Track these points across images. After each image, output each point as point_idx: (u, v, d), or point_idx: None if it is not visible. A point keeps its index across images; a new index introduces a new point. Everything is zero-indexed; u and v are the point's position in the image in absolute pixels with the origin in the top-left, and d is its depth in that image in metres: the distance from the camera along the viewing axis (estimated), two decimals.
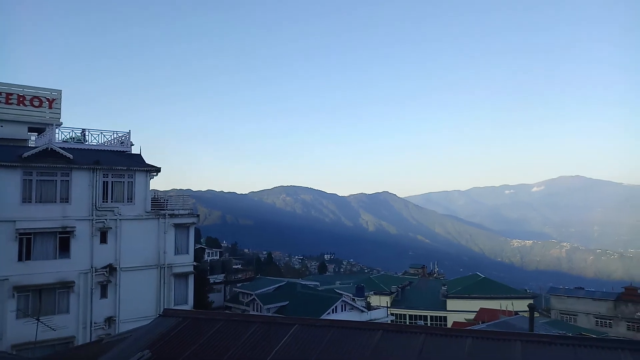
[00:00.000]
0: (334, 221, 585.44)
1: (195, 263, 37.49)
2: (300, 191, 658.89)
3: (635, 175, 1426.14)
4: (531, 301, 59.90)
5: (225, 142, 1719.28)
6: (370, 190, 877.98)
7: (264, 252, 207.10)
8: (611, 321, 64.59)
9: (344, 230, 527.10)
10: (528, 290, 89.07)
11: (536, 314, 56.43)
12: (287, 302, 52.15)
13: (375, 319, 50.33)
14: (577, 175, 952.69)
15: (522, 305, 59.14)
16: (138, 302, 32.45)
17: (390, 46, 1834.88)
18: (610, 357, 9.06)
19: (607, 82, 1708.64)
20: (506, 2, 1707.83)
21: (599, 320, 65.71)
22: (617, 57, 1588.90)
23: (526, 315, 40.95)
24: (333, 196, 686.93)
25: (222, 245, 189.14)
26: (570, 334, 34.46)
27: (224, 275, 76.11)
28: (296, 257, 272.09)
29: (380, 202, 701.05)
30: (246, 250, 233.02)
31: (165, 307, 30.25)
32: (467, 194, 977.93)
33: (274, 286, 61.11)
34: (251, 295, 56.55)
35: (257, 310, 52.62)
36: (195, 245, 44.31)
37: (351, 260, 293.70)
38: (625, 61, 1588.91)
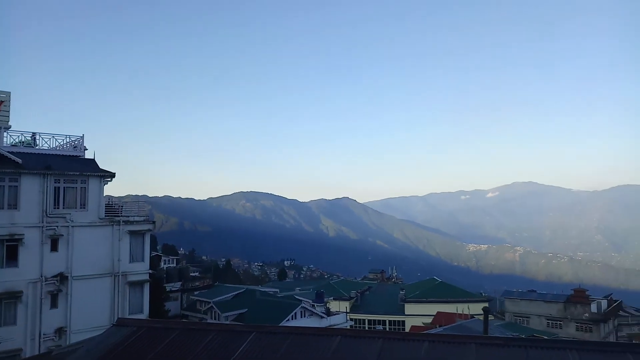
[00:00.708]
0: (295, 227, 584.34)
1: (151, 271, 36.69)
2: (260, 197, 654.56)
3: (583, 181, 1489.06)
4: (486, 304, 61.44)
5: (183, 147, 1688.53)
6: (330, 196, 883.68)
7: (223, 259, 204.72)
8: (561, 322, 66.84)
9: (305, 236, 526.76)
10: (483, 294, 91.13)
11: (491, 317, 57.94)
12: (246, 310, 51.67)
13: (334, 325, 50.50)
14: (530, 182, 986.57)
15: (477, 308, 60.47)
16: (91, 312, 31.43)
17: (348, 50, 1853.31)
18: (559, 357, 9.37)
19: (556, 93, 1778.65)
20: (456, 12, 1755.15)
21: (550, 321, 67.85)
22: (566, 67, 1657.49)
23: (481, 318, 41.93)
24: (294, 202, 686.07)
25: (180, 252, 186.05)
26: (523, 336, 35.51)
27: (181, 283, 74.69)
28: (256, 263, 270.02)
29: (340, 207, 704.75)
30: (204, 258, 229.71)
31: (119, 317, 29.43)
32: (425, 200, 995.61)
33: (232, 294, 60.48)
34: (209, 303, 55.77)
35: (215, 319, 51.92)
36: (151, 253, 43.37)
37: (311, 266, 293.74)
38: (575, 72, 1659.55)
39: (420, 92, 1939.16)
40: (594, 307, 65.16)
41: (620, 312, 72.14)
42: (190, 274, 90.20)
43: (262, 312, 50.24)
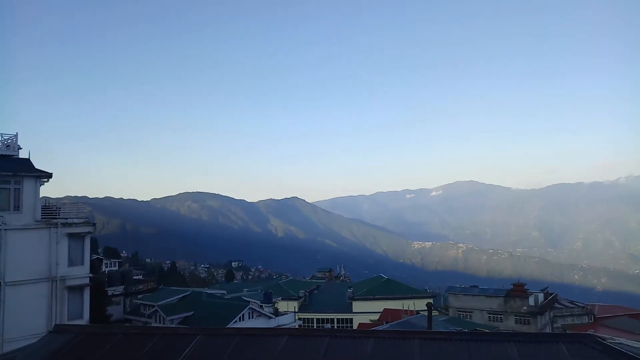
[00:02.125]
0: (243, 228, 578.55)
1: (91, 275, 35.39)
2: (206, 197, 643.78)
3: (521, 180, 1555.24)
4: (430, 300, 63.16)
5: (125, 146, 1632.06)
6: (279, 196, 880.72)
7: (168, 262, 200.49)
8: (502, 316, 69.59)
9: (253, 236, 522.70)
10: (428, 290, 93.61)
11: (435, 312, 59.57)
12: (192, 313, 50.74)
13: (282, 325, 50.39)
14: (471, 181, 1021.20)
15: (422, 304, 61.96)
16: (27, 319, 29.93)
17: (293, 48, 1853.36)
18: (498, 349, 9.74)
19: (495, 94, 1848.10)
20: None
21: (491, 315, 70.50)
22: (505, 67, 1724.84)
23: (426, 313, 42.99)
24: (241, 202, 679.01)
25: (122, 255, 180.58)
26: (465, 330, 36.70)
27: (123, 286, 72.40)
28: (202, 265, 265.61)
29: (289, 207, 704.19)
30: (148, 260, 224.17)
31: (57, 323, 28.19)
32: (372, 199, 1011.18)
33: (178, 296, 59.23)
34: (153, 306, 54.43)
35: (160, 322, 50.66)
36: (91, 256, 41.77)
37: (260, 266, 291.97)
38: (513, 72, 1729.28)
39: (366, 93, 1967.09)
40: (531, 301, 68.27)
41: (556, 305, 75.93)
42: (134, 277, 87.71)
43: (208, 315, 49.49)
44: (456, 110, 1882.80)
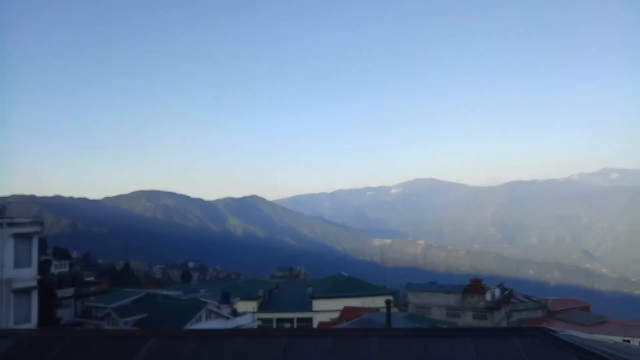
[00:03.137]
0: (200, 227, 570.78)
1: (39, 277, 34.21)
2: (161, 196, 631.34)
3: (479, 178, 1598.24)
4: (390, 297, 64.02)
5: (75, 143, 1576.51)
6: (238, 194, 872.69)
7: (121, 262, 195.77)
8: (460, 312, 71.33)
9: (211, 235, 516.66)
10: (388, 287, 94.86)
11: (395, 309, 60.46)
12: (147, 315, 49.84)
13: (241, 325, 50.12)
14: (430, 178, 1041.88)
15: (382, 301, 62.73)
16: None
17: (255, 43, 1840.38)
18: (455, 344, 9.95)
19: (452, 92, 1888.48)
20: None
21: (449, 311, 72.16)
22: (463, 65, 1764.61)
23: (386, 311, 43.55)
24: (198, 201, 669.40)
25: (73, 256, 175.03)
26: (424, 326, 37.41)
27: (74, 288, 70.47)
28: (157, 266, 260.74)
29: (248, 206, 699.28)
30: (101, 261, 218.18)
31: (1, 327, 27.09)
32: (333, 196, 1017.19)
33: (132, 298, 58.21)
34: (106, 309, 53.27)
35: (113, 325, 49.56)
36: (40, 257, 40.40)
37: (218, 266, 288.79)
38: (471, 70, 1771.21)
39: (326, 91, 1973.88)
40: (488, 296, 70.26)
41: (512, 300, 78.41)
42: (85, 279, 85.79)
43: (164, 317, 48.72)
44: (416, 109, 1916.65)
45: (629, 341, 53.12)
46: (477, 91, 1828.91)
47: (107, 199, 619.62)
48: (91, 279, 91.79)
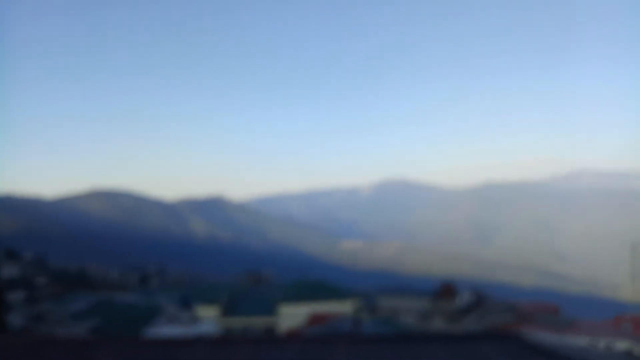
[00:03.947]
0: (161, 228, 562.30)
1: None
2: (119, 196, 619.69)
3: (452, 179, 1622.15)
4: (360, 302, 64.51)
5: (27, 138, 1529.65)
6: (202, 194, 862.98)
7: (76, 265, 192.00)
8: (431, 316, 72.32)
9: (172, 238, 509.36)
10: (358, 291, 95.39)
11: (365, 314, 60.88)
12: (102, 320, 48.98)
13: (203, 332, 49.64)
14: (403, 179, 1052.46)
15: (352, 306, 63.09)
16: None
17: (223, 39, 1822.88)
18: (425, 349, 10.09)
19: (424, 93, 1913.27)
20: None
21: (420, 315, 73.08)
22: (433, 68, 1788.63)
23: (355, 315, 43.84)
24: (158, 201, 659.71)
25: (23, 258, 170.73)
26: (394, 331, 37.81)
27: (25, 292, 68.97)
28: (115, 269, 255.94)
29: (212, 207, 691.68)
30: (54, 264, 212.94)
31: None
32: (303, 197, 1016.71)
33: (86, 303, 57.03)
34: (59, 313, 52.03)
35: (66, 331, 48.49)
36: None
37: (179, 270, 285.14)
38: (444, 71, 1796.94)
39: (296, 89, 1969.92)
40: (460, 300, 71.48)
41: (484, 303, 79.88)
42: (37, 282, 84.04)
43: (120, 322, 48.01)
44: (388, 109, 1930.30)
45: (598, 342, 54.83)
46: (449, 92, 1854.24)
47: (61, 198, 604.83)
48: (44, 282, 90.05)
